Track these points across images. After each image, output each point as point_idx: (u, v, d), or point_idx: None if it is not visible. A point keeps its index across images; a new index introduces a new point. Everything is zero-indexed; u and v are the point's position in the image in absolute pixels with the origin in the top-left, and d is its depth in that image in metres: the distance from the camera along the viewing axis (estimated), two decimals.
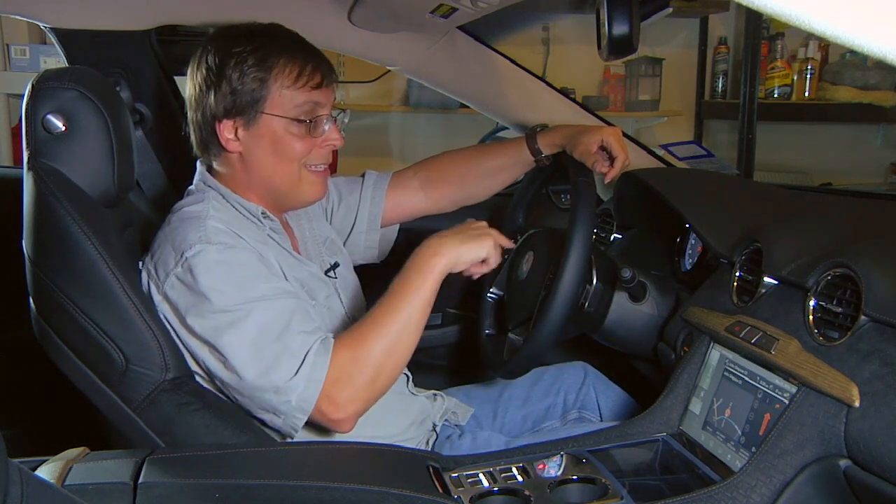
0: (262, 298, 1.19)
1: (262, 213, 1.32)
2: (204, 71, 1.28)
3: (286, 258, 1.31)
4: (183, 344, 1.23)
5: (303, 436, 1.29)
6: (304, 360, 1.16)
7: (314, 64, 1.28)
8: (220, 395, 1.26)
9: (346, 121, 1.39)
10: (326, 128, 1.31)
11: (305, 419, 1.18)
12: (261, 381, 1.17)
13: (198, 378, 1.26)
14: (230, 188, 1.31)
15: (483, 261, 1.27)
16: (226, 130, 1.28)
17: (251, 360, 1.17)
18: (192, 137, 1.33)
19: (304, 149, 1.29)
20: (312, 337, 1.19)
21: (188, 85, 1.31)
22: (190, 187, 1.36)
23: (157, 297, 1.23)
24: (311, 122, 1.28)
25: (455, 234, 1.27)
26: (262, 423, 1.24)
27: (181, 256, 1.20)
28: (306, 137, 1.28)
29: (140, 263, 1.29)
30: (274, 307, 1.19)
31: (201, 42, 1.31)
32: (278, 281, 1.24)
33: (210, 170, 1.34)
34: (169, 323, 1.23)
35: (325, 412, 1.17)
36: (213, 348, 1.19)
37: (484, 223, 1.30)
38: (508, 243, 1.33)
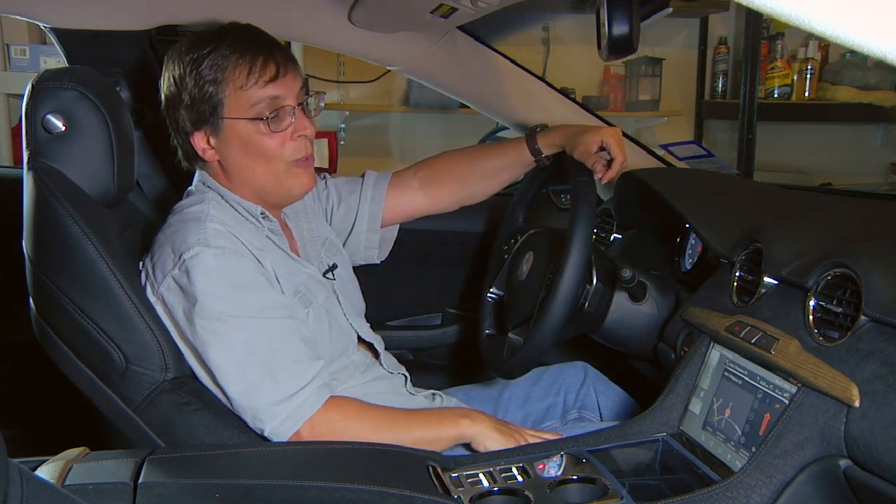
0: (255, 315, 1.20)
1: (262, 214, 1.32)
2: (167, 86, 1.29)
3: (284, 261, 1.31)
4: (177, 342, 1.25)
5: None
6: (291, 396, 1.18)
7: (265, 57, 1.26)
8: (217, 393, 1.26)
9: (322, 104, 1.36)
10: (292, 119, 1.28)
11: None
12: (242, 400, 1.19)
13: (199, 377, 1.26)
14: (227, 188, 1.31)
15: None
16: (199, 141, 1.29)
17: (235, 378, 1.19)
18: (179, 153, 1.35)
19: (276, 145, 1.28)
20: (304, 371, 1.20)
21: (161, 98, 1.32)
22: (189, 188, 1.36)
23: (152, 298, 1.24)
24: (271, 117, 1.26)
25: (500, 424, 1.28)
26: None
27: (179, 258, 1.20)
28: (274, 134, 1.27)
29: (140, 264, 1.29)
30: (265, 327, 1.20)
31: (166, 55, 1.31)
32: (274, 294, 1.24)
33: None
34: (165, 323, 1.24)
35: (298, 437, 1.20)
36: (202, 361, 1.21)
37: (529, 435, 1.28)
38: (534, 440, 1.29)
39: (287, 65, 1.28)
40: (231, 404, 1.21)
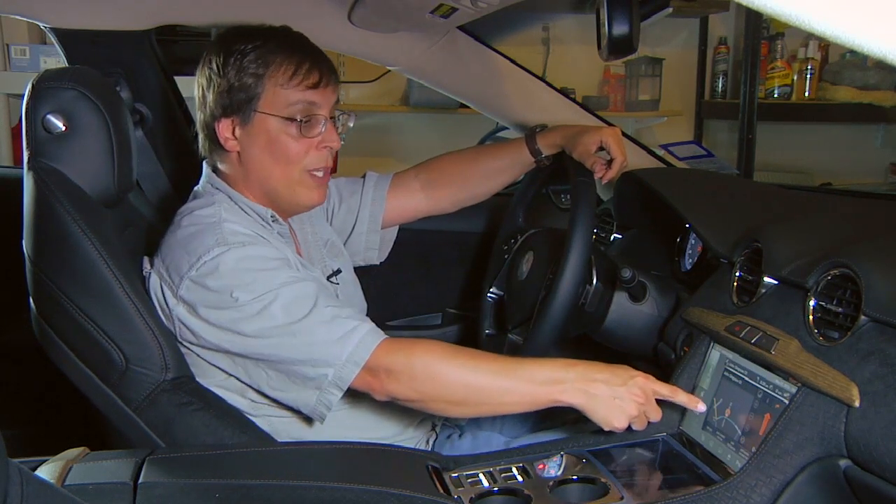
0: (284, 285, 1.18)
1: (272, 217, 1.31)
2: (207, 70, 1.28)
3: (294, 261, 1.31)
4: (203, 341, 1.21)
5: (303, 434, 1.29)
6: (348, 333, 1.14)
7: (312, 63, 1.27)
8: (220, 394, 1.26)
9: (351, 125, 1.37)
10: (322, 129, 1.28)
11: (340, 395, 1.16)
12: (297, 354, 1.15)
13: (198, 378, 1.26)
14: (237, 190, 1.31)
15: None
16: (224, 129, 1.28)
17: (284, 339, 1.15)
18: (200, 139, 1.34)
19: (300, 150, 1.27)
20: (349, 315, 1.17)
21: (196, 85, 1.31)
22: (196, 188, 1.35)
23: (171, 301, 1.22)
24: (303, 121, 1.26)
25: (613, 385, 1.11)
26: (291, 409, 1.23)
27: (198, 260, 1.18)
28: (301, 138, 1.27)
29: (145, 265, 1.29)
30: (296, 289, 1.18)
31: (209, 43, 1.31)
32: (297, 272, 1.23)
33: (216, 171, 1.34)
34: (185, 324, 1.21)
35: (369, 372, 1.15)
36: (243, 335, 1.17)
37: (649, 391, 1.12)
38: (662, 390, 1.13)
39: (330, 77, 1.29)
40: (285, 366, 1.17)
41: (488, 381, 1.15)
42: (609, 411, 1.11)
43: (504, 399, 1.15)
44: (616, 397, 1.11)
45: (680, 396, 1.13)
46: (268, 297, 1.16)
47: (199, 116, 1.32)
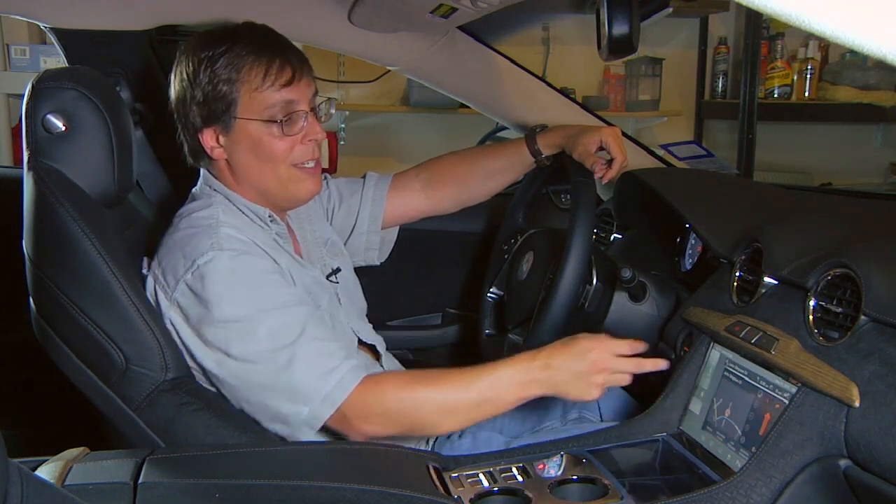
0: (274, 308, 1.18)
1: (270, 217, 1.31)
2: (179, 81, 1.28)
3: (291, 263, 1.31)
4: (190, 351, 1.22)
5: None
6: (329, 371, 1.16)
7: (282, 60, 1.25)
8: (221, 394, 1.26)
9: (333, 111, 1.37)
10: (304, 123, 1.28)
11: (311, 435, 1.18)
12: (277, 382, 1.17)
13: (198, 378, 1.26)
14: (234, 191, 1.31)
15: None
16: (208, 139, 1.28)
17: (266, 366, 1.17)
18: (185, 149, 1.34)
19: (285, 148, 1.27)
20: (334, 350, 1.19)
21: (171, 94, 1.31)
22: (194, 190, 1.35)
23: (165, 303, 1.22)
24: (284, 120, 1.26)
25: (573, 365, 1.17)
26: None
27: (192, 263, 1.19)
28: (284, 136, 1.27)
29: (143, 265, 1.29)
30: (286, 315, 1.19)
31: (178, 50, 1.30)
32: (292, 289, 1.23)
33: (212, 172, 1.34)
34: (176, 329, 1.22)
35: (341, 415, 1.17)
36: (227, 355, 1.18)
37: (608, 357, 1.17)
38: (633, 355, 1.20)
39: (303, 69, 1.28)
40: (261, 396, 1.18)
41: (457, 398, 1.19)
42: (578, 390, 1.17)
43: (477, 412, 1.19)
44: (579, 374, 1.16)
45: (640, 347, 1.19)
46: (257, 318, 1.17)
47: (179, 127, 1.32)
